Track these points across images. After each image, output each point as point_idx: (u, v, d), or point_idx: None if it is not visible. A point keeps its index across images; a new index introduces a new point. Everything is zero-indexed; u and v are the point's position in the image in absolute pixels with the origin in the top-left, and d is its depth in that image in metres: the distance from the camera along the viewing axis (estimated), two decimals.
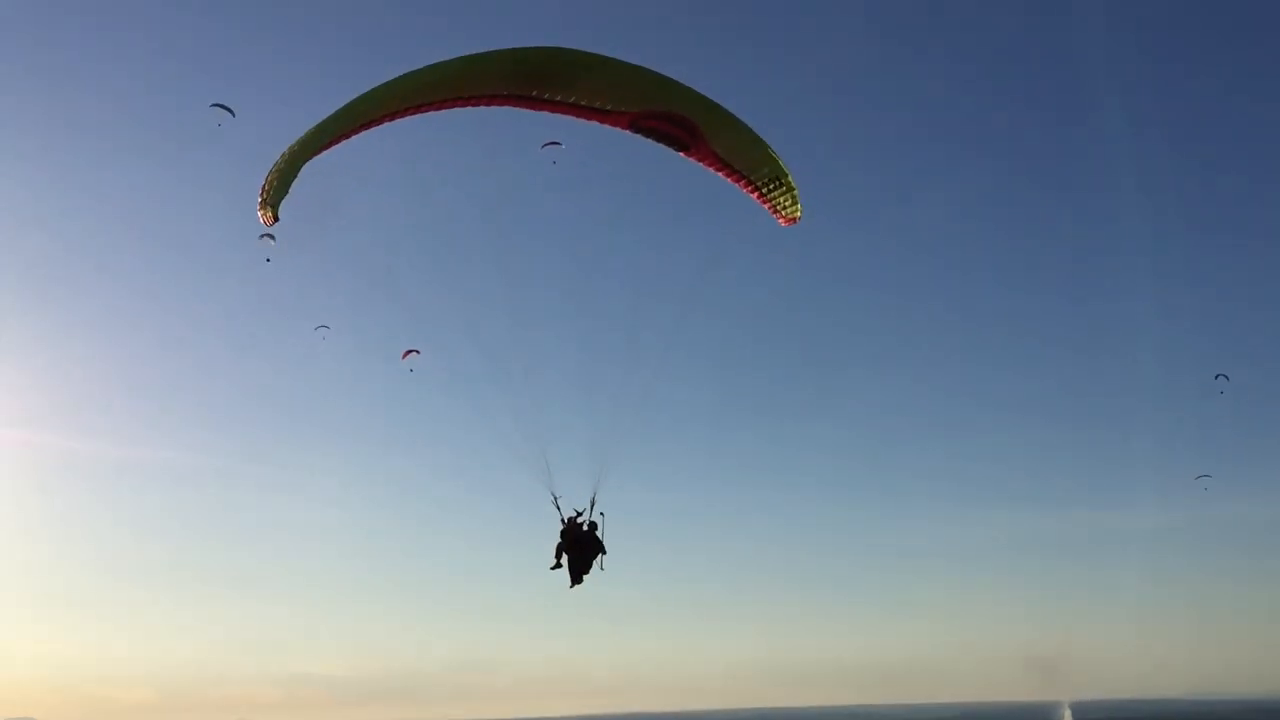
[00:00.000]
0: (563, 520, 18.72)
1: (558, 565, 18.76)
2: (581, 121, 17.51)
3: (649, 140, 17.76)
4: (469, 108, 17.02)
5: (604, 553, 18.79)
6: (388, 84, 16.34)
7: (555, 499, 18.81)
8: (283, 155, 16.23)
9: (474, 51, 16.68)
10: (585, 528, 18.72)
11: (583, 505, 18.81)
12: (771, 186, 19.08)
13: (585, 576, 18.80)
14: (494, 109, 17.06)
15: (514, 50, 16.79)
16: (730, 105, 18.20)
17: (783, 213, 19.46)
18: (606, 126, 17.49)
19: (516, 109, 17.23)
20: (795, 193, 19.22)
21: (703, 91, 17.83)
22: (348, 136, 16.49)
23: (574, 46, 16.93)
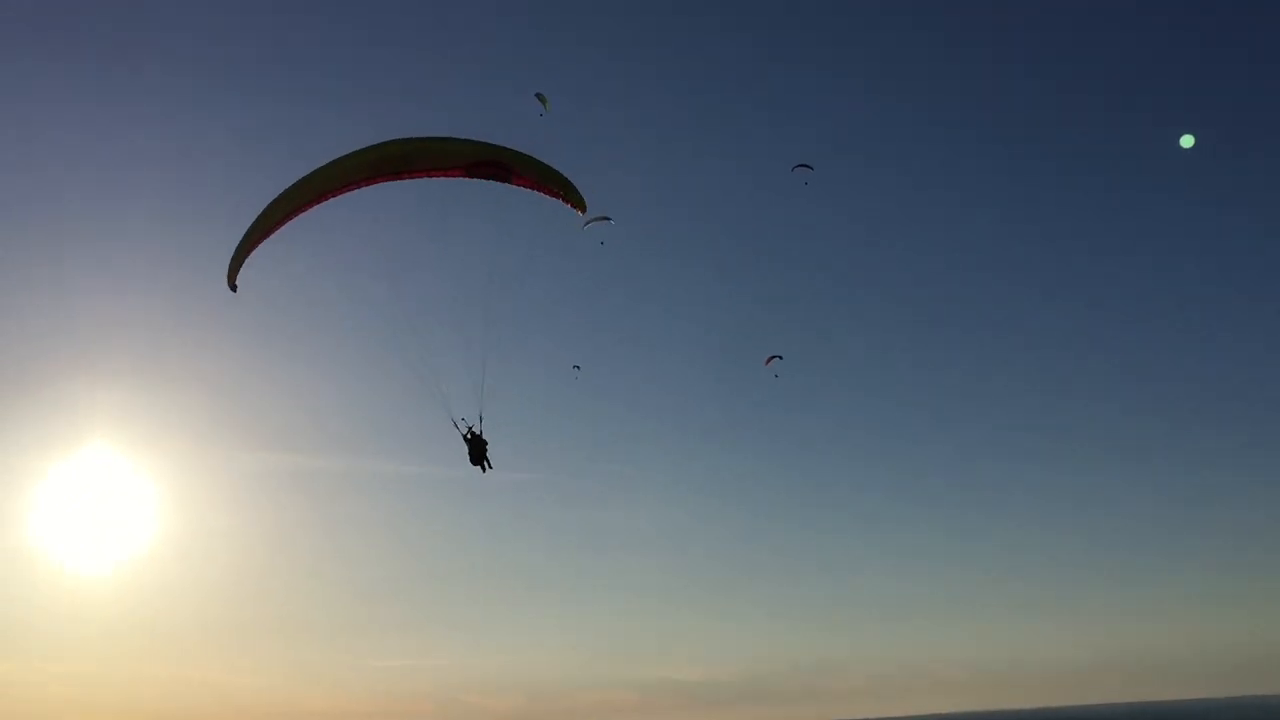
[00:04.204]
0: (464, 435, 27.23)
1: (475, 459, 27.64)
2: (433, 179, 25.66)
3: (483, 180, 26.10)
4: (353, 191, 24.92)
5: (487, 443, 27.50)
6: (299, 183, 24.21)
7: (454, 422, 27.30)
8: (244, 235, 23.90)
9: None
10: (480, 435, 27.58)
11: (473, 422, 27.24)
12: (563, 192, 27.79)
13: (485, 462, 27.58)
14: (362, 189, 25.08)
15: (376, 146, 24.78)
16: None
17: (576, 206, 28.16)
18: (448, 178, 25.70)
19: (386, 184, 25.21)
20: (578, 192, 28.05)
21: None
22: (277, 228, 24.28)
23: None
